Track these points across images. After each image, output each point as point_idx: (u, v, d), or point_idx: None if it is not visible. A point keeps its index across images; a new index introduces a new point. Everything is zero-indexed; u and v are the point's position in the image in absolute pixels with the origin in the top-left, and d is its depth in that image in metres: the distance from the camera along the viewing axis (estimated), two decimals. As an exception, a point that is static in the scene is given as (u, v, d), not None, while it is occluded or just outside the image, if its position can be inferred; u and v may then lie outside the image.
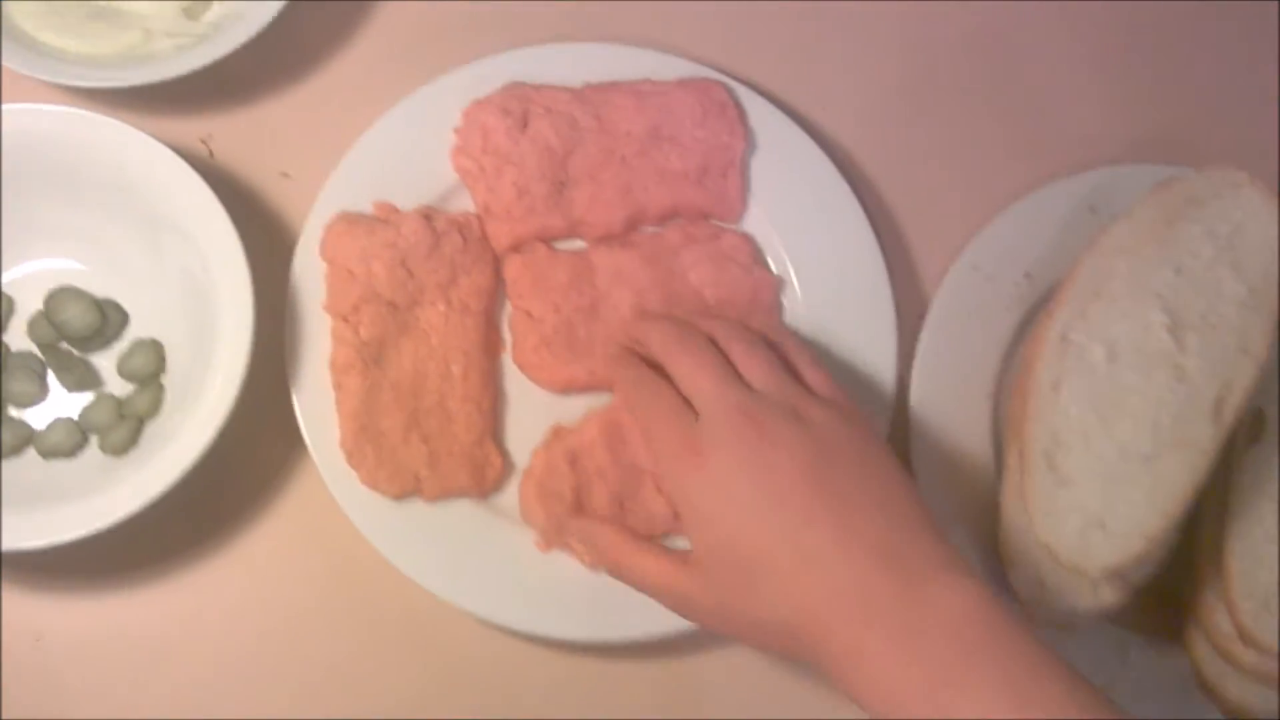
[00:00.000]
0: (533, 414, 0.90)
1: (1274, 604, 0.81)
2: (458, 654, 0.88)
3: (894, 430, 0.91)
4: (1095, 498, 0.79)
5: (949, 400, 0.91)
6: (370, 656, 0.88)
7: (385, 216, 0.88)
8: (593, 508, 0.85)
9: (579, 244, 0.93)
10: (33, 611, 0.85)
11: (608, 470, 0.86)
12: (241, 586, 0.87)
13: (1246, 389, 0.81)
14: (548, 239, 0.92)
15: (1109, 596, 0.83)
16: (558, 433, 0.88)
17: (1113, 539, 0.79)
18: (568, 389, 0.89)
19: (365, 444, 0.84)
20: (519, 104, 0.91)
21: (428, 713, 0.87)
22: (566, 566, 0.86)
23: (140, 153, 0.84)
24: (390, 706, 0.87)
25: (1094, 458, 0.80)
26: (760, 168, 0.95)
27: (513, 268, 0.90)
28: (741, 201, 0.94)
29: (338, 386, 0.85)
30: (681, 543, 0.82)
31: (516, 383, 0.91)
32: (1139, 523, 0.79)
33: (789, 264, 0.94)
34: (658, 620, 0.84)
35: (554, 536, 0.84)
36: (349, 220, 0.87)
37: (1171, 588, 0.89)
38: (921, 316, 0.93)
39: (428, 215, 0.89)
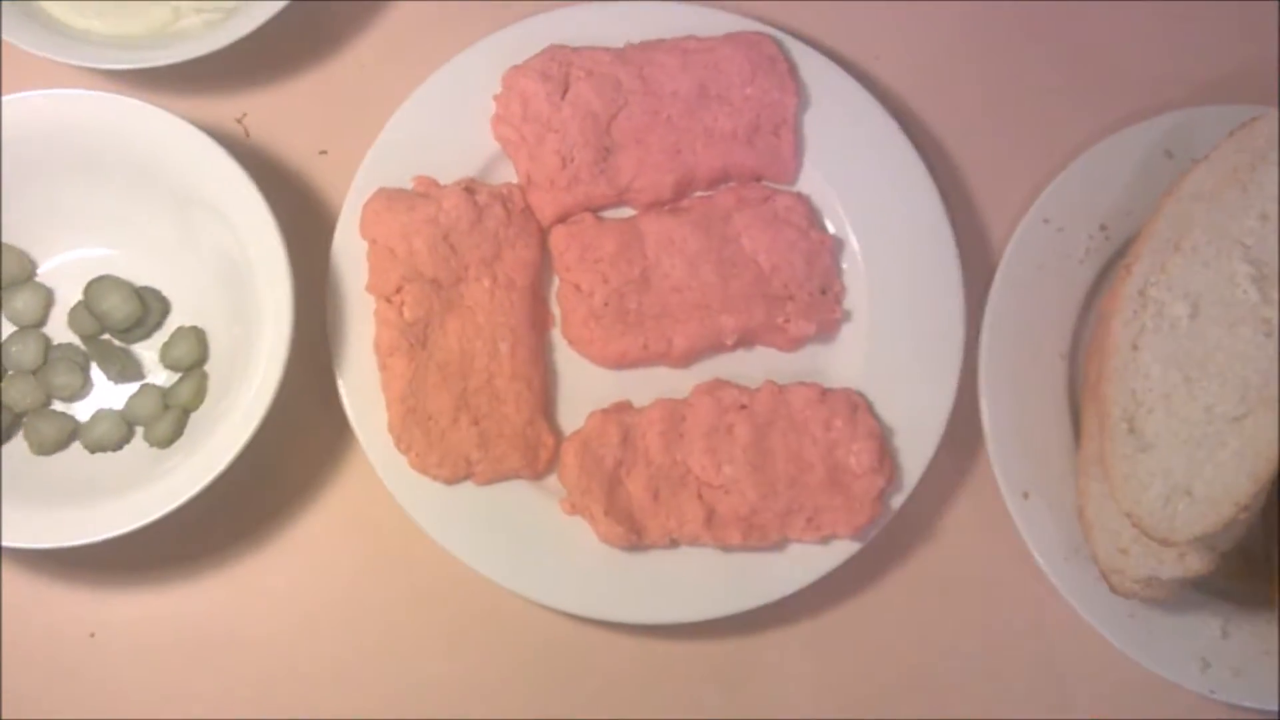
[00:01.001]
0: (587, 391, 0.87)
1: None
2: (513, 637, 0.86)
3: (961, 394, 0.87)
4: (1180, 462, 0.75)
5: (1022, 361, 0.87)
6: (424, 643, 0.86)
7: (425, 191, 0.85)
8: (627, 487, 0.82)
9: (628, 212, 0.89)
10: (85, 608, 0.84)
11: (656, 457, 0.83)
12: (292, 575, 0.86)
13: (1340, 341, 0.76)
14: (595, 208, 0.88)
15: (1196, 564, 0.78)
16: (621, 405, 0.85)
17: (1200, 506, 0.74)
18: (620, 363, 0.86)
19: (413, 427, 0.82)
20: (559, 67, 0.87)
21: (485, 697, 0.85)
22: (622, 550, 0.83)
23: (169, 134, 0.81)
24: (444, 691, 0.85)
25: (1177, 420, 0.76)
26: (814, 125, 0.91)
27: (559, 239, 0.87)
28: (795, 161, 0.90)
29: (383, 369, 0.82)
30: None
31: (568, 359, 0.88)
32: (1228, 488, 0.74)
33: (848, 224, 0.90)
34: (709, 603, 0.82)
35: (580, 500, 0.81)
36: (388, 196, 0.84)
37: (1263, 553, 0.84)
38: (990, 275, 0.89)
39: (469, 188, 0.85)
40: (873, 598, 0.88)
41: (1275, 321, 0.76)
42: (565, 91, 0.87)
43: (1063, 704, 0.87)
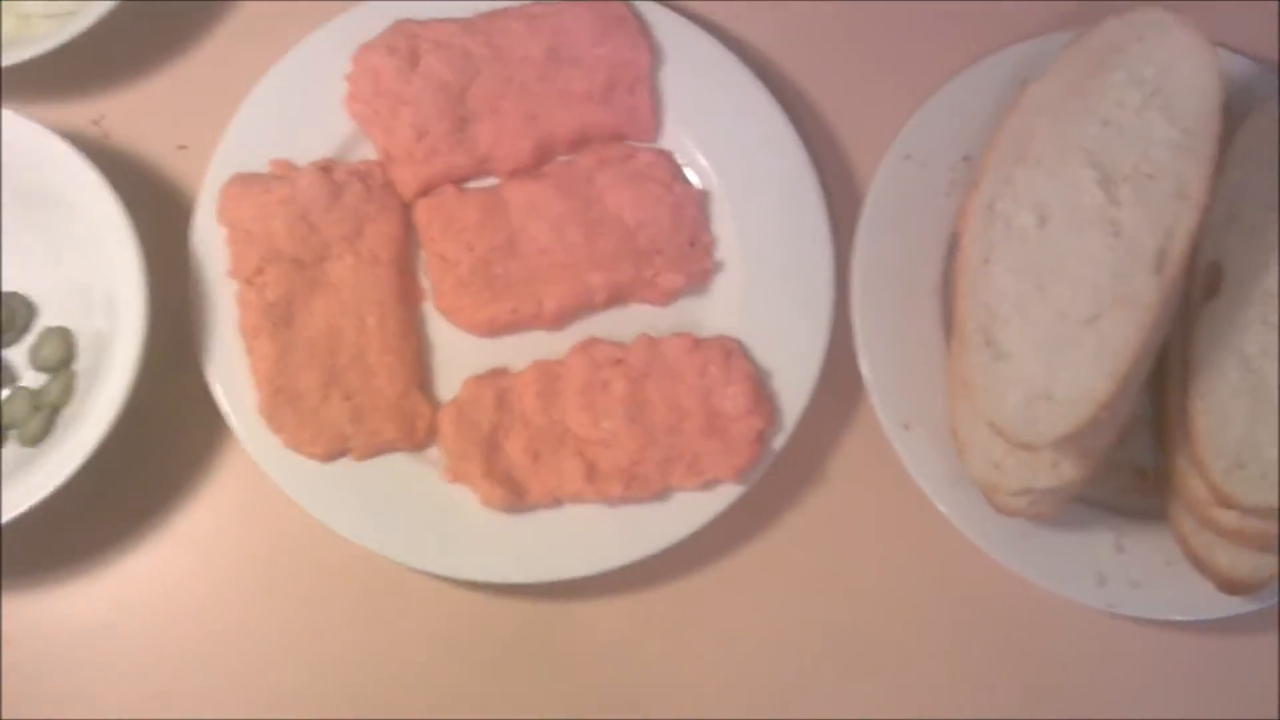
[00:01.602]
0: (464, 360, 0.87)
1: (1247, 458, 0.76)
2: (414, 609, 0.86)
3: (839, 333, 0.87)
4: (1037, 368, 0.75)
5: (894, 296, 0.87)
6: (324, 622, 0.86)
7: (282, 173, 0.85)
8: (506, 450, 0.82)
9: (492, 182, 0.89)
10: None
11: (533, 418, 0.83)
12: (183, 565, 0.86)
13: (1188, 235, 0.76)
14: (457, 179, 0.89)
15: (1070, 471, 0.78)
16: (497, 371, 0.85)
17: (1060, 408, 0.74)
18: (493, 330, 0.86)
19: (283, 407, 0.82)
20: (407, 41, 0.88)
21: (390, 672, 0.85)
22: (506, 513, 0.83)
23: (17, 136, 0.81)
24: (348, 668, 0.85)
25: (1032, 327, 0.76)
26: (672, 81, 0.91)
27: (422, 212, 0.87)
28: (654, 118, 0.90)
29: (249, 351, 0.82)
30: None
31: (442, 330, 0.88)
32: (1086, 388, 0.74)
33: (713, 176, 0.90)
34: (598, 557, 0.83)
35: (459, 466, 0.81)
36: (243, 181, 0.84)
37: (1154, 465, 0.84)
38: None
39: (326, 167, 0.86)
40: (766, 543, 0.88)
41: (1123, 222, 0.77)
42: (415, 65, 0.87)
43: (963, 632, 0.87)
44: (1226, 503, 0.76)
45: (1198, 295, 0.81)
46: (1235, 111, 0.82)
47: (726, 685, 0.86)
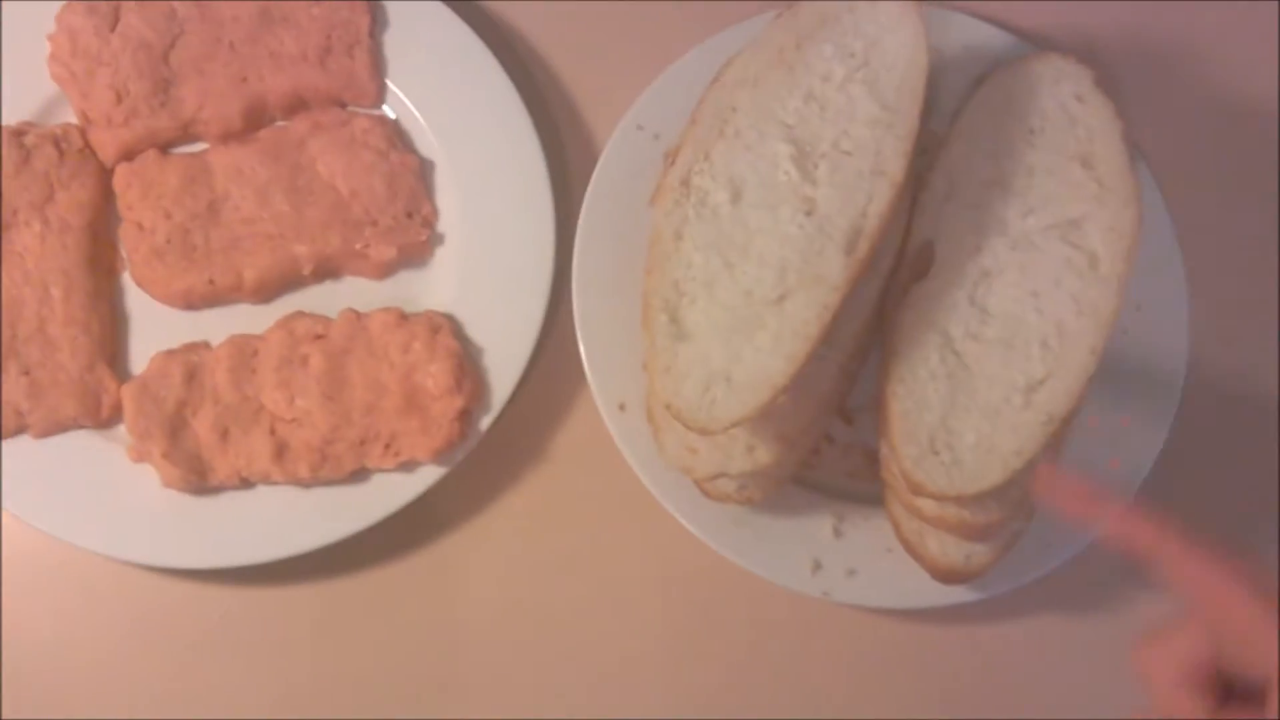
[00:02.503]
0: (162, 334, 0.84)
1: (940, 446, 0.74)
2: (104, 598, 0.83)
3: (565, 309, 0.84)
4: (718, 349, 0.72)
5: (616, 271, 0.84)
6: (20, 616, 0.82)
7: (-30, 138, 0.81)
8: (194, 428, 0.78)
9: (202, 148, 0.86)
10: None
11: (225, 395, 0.79)
12: None
13: (883, 214, 0.74)
14: (161, 144, 0.85)
15: (765, 456, 0.76)
16: (191, 345, 0.82)
17: (738, 392, 0.71)
18: (189, 302, 0.83)
19: (-47, 383, 0.78)
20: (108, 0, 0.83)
21: (77, 664, 0.82)
22: (193, 495, 0.81)
23: None
24: (31, 660, 0.82)
25: (718, 307, 0.73)
26: (396, 45, 0.88)
27: (121, 178, 0.84)
28: (375, 82, 0.87)
29: (-79, 327, 0.78)
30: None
31: (141, 302, 0.84)
32: (766, 371, 0.71)
33: (437, 145, 0.87)
34: (288, 540, 0.80)
35: (142, 446, 0.78)
36: (-73, 145, 0.80)
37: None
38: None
39: (19, 131, 0.82)
40: (481, 524, 0.85)
41: (816, 199, 0.74)
42: (115, 24, 0.83)
43: (682, 617, 0.84)
44: (917, 490, 0.73)
45: (906, 276, 0.78)
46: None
47: (439, 670, 0.83)
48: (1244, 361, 0.88)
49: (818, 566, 0.81)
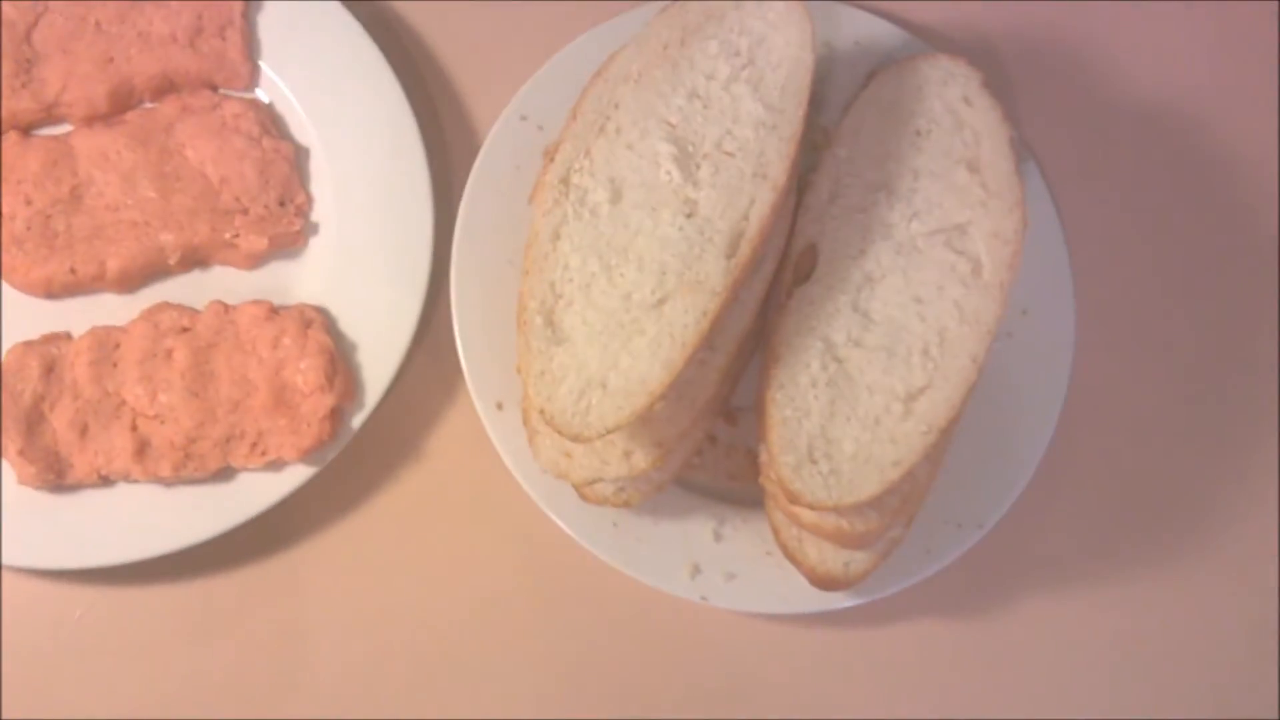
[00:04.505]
0: (23, 324, 0.81)
1: (819, 454, 0.73)
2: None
3: (443, 303, 0.81)
4: (595, 354, 0.70)
5: (496, 265, 0.82)
6: None
7: None
8: (50, 424, 0.75)
9: (68, 130, 0.82)
10: None
11: (84, 389, 0.76)
12: None
13: (765, 218, 0.72)
14: (23, 126, 0.81)
15: (643, 461, 0.74)
16: (51, 336, 0.78)
17: (614, 398, 0.70)
18: (50, 291, 0.79)
19: None
20: (-35, -26, 0.79)
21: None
22: (50, 492, 0.78)
23: None
24: None
25: (595, 311, 0.71)
26: (271, 27, 0.85)
27: (-21, 160, 0.79)
28: (248, 65, 0.84)
29: None
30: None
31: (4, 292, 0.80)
32: (642, 377, 0.70)
33: (313, 132, 0.84)
34: (149, 541, 0.77)
35: None
36: None
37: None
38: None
39: None
40: (356, 526, 0.83)
41: (698, 201, 0.72)
42: (-27, 0, 0.79)
43: (556, 621, 0.83)
44: (794, 500, 0.72)
45: (789, 279, 0.76)
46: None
47: (299, 673, 0.80)
48: (1129, 366, 0.88)
49: (697, 570, 0.80)
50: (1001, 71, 0.89)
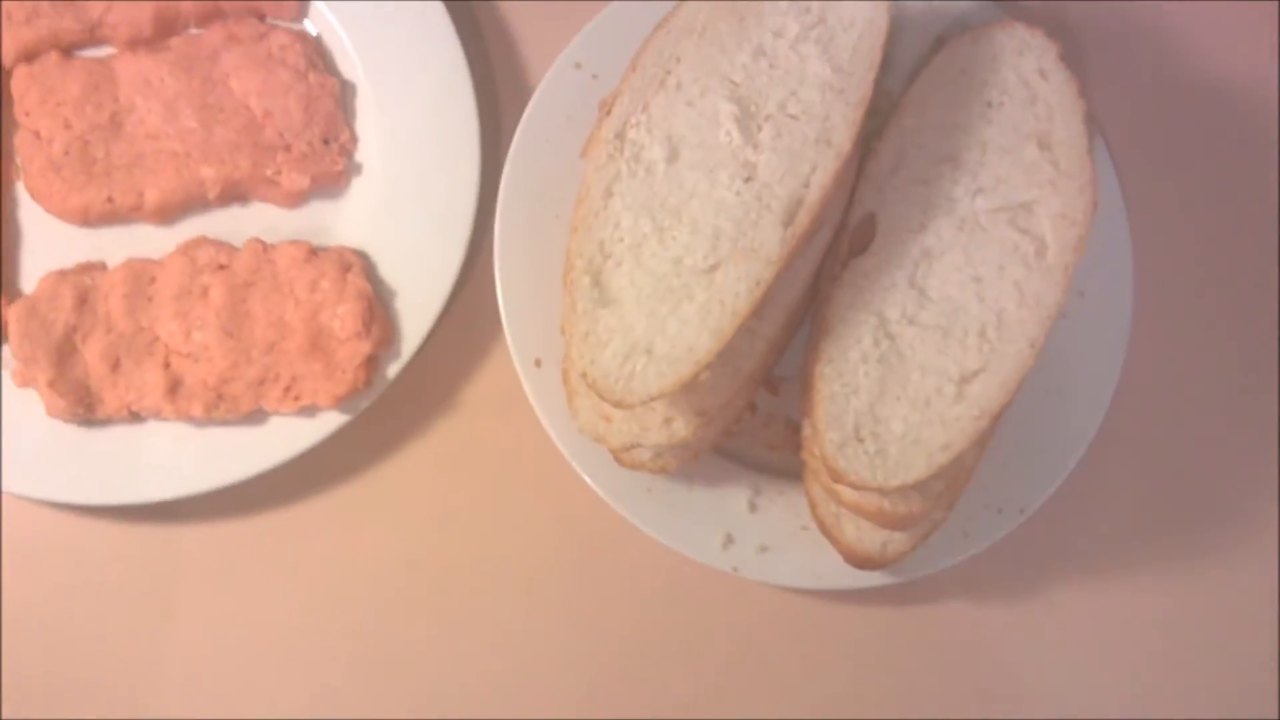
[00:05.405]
0: (57, 252, 0.79)
1: (865, 433, 0.71)
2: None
3: (485, 255, 0.79)
4: (642, 318, 0.68)
5: (543, 219, 0.79)
6: None
7: None
8: (83, 355, 0.73)
9: (109, 52, 0.80)
10: None
11: (118, 323, 0.74)
12: None
13: (826, 187, 0.70)
14: (65, 46, 0.79)
15: (683, 429, 0.72)
16: (86, 266, 0.77)
17: (659, 365, 0.68)
18: (86, 219, 0.77)
19: None
20: (9, -114, 0.77)
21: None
22: (79, 426, 0.76)
23: None
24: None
25: (645, 273, 0.69)
26: (324, -44, 0.81)
27: (19, 81, 0.78)
28: (297, -6, 0.81)
29: None
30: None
31: (34, 216, 0.79)
32: (689, 345, 0.67)
33: (360, 69, 0.81)
34: (177, 481, 0.76)
35: (27, 371, 0.73)
36: None
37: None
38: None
39: (-94, 22, 0.75)
40: (386, 477, 0.81)
41: (757, 165, 0.70)
42: (17, -88, 0.76)
43: (581, 583, 0.81)
44: (838, 478, 0.70)
45: (845, 250, 0.74)
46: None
47: (326, 620, 0.79)
48: (1182, 354, 0.85)
49: (729, 541, 0.78)
50: (1076, 46, 0.86)
